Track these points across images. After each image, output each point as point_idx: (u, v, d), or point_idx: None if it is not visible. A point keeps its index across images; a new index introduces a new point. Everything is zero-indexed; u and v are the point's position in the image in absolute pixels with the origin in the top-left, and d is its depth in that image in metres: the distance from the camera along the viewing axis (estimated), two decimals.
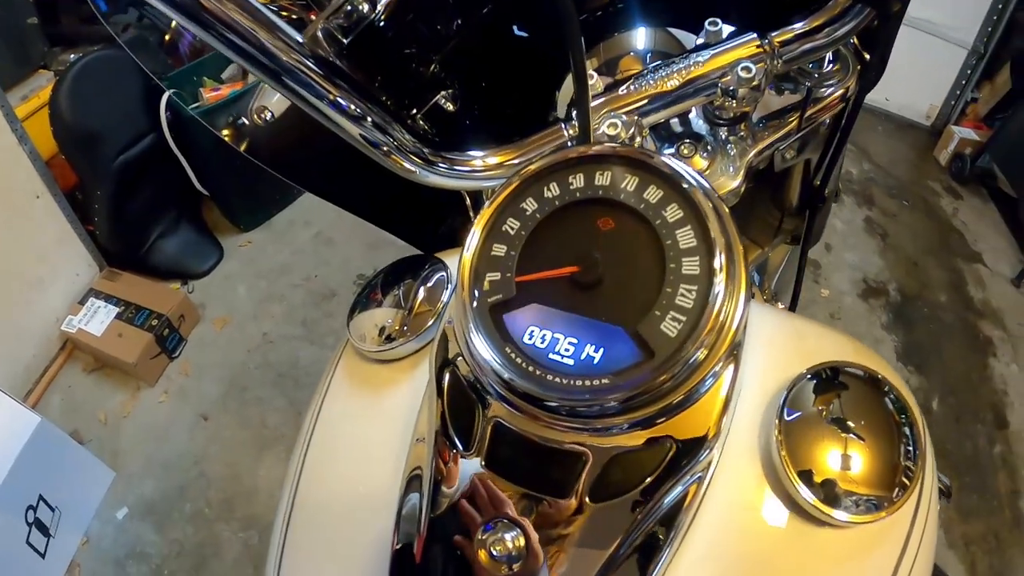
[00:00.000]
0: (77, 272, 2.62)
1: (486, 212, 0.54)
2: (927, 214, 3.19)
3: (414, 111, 0.70)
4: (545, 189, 0.54)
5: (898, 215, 3.17)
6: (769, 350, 0.59)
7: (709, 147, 0.75)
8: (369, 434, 0.64)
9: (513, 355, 0.48)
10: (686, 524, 0.50)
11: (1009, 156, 3.06)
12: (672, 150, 0.76)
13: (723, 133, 0.76)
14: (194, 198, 2.82)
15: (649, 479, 0.48)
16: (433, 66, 0.73)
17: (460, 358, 0.53)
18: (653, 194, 0.51)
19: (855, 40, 0.76)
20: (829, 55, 0.77)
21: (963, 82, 3.35)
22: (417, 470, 0.57)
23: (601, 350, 0.47)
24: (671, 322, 0.46)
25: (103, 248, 2.68)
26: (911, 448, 0.52)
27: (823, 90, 0.77)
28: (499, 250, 0.52)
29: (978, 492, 2.21)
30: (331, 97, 0.58)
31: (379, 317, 0.66)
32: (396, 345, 0.63)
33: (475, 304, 0.50)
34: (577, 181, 0.53)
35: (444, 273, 0.67)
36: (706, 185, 0.51)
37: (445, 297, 0.64)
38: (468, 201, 0.87)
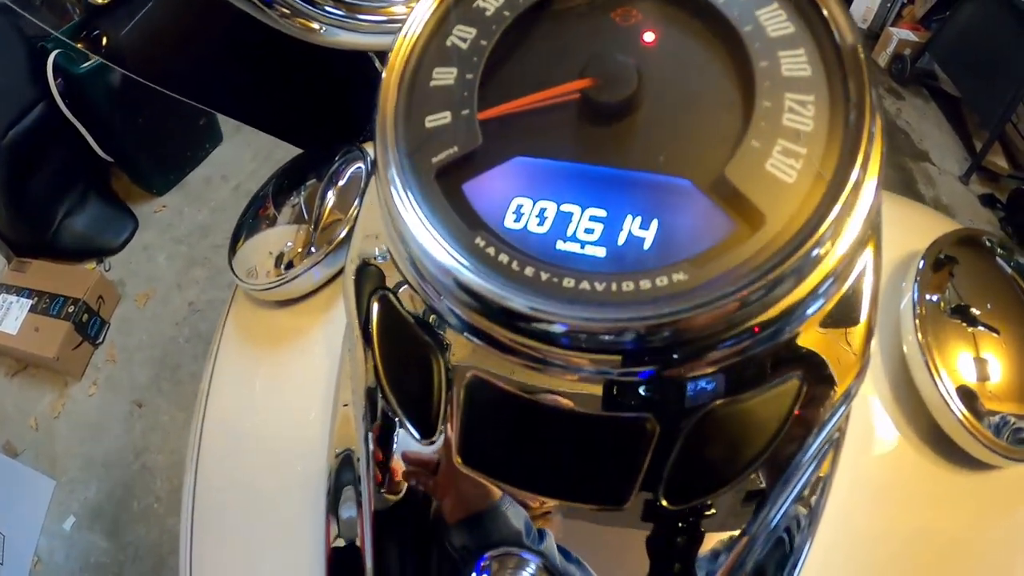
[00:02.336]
0: None
1: (415, 18, 0.30)
2: None
3: None
4: None
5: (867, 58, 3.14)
6: None
7: None
8: (277, 403, 0.47)
9: (490, 250, 0.24)
10: (823, 507, 0.29)
11: (950, 56, 2.96)
12: None
13: None
14: (99, 167, 2.55)
15: (767, 449, 0.25)
16: None
17: (397, 279, 0.29)
18: None
19: None
20: None
21: None
22: (348, 451, 0.39)
23: (654, 222, 0.25)
24: (784, 158, 0.24)
25: (6, 237, 2.42)
26: None
27: None
28: (445, 76, 0.28)
29: None
30: None
31: (273, 240, 0.43)
32: (297, 273, 0.40)
33: (410, 170, 0.27)
34: None
35: (362, 163, 0.43)
36: None
37: (359, 202, 0.41)
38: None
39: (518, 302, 0.23)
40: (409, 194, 0.26)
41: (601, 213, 0.25)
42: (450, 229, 0.25)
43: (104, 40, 0.66)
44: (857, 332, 0.27)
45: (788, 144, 0.24)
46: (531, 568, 0.25)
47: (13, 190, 2.29)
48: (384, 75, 0.29)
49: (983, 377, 0.37)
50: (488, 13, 0.30)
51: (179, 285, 2.45)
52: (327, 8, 0.45)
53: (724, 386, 0.25)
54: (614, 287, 0.23)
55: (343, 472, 0.40)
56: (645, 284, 0.22)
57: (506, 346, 0.24)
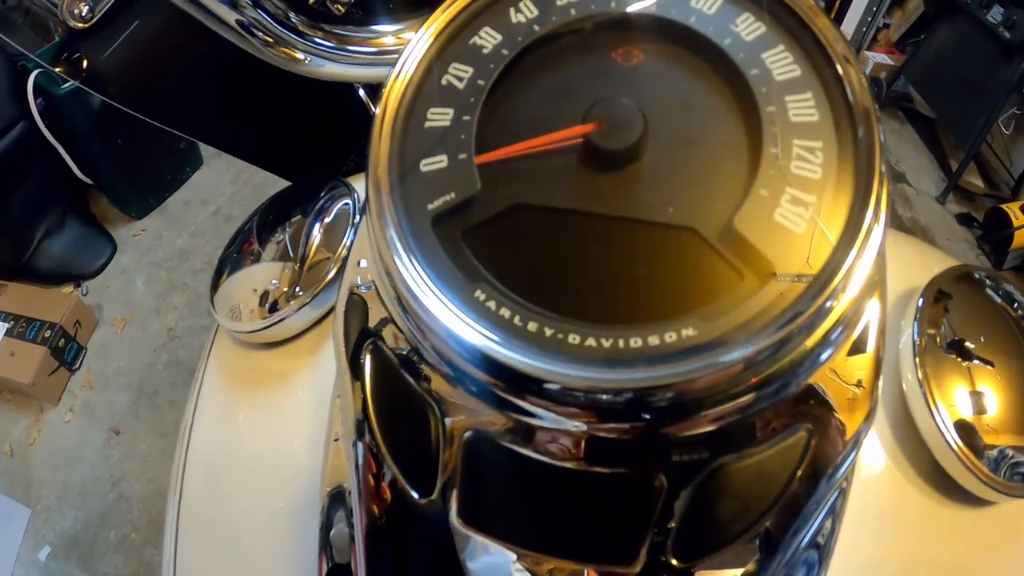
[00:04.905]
0: None
1: (409, 57, 0.29)
2: None
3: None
4: (512, 11, 0.29)
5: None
6: None
7: None
8: (262, 450, 0.45)
9: (490, 303, 0.23)
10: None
11: (925, 78, 3.01)
12: None
13: None
14: (78, 189, 2.55)
15: (778, 503, 0.24)
16: None
17: (388, 324, 0.28)
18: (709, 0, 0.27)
19: None
20: None
21: (874, 9, 3.29)
22: (340, 487, 0.39)
23: (660, 273, 0.24)
24: (792, 207, 0.23)
25: None
26: None
27: None
28: (440, 117, 0.27)
29: None
30: None
31: (258, 278, 0.41)
32: (283, 316, 0.38)
33: (404, 217, 0.25)
34: None
35: (350, 200, 0.42)
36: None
37: (351, 236, 0.40)
38: (373, 109, 0.65)
39: (522, 362, 0.22)
40: (404, 243, 0.24)
41: (606, 262, 0.24)
42: (448, 282, 0.24)
43: (84, 64, 0.65)
44: (865, 376, 0.26)
45: (797, 192, 0.23)
46: None
47: None
48: (376, 115, 0.27)
49: (980, 411, 0.37)
50: (485, 51, 0.29)
51: (157, 310, 2.43)
52: (315, 39, 0.44)
53: (731, 441, 0.24)
54: (621, 343, 0.21)
55: (334, 507, 0.39)
56: (653, 340, 0.21)
57: (510, 404, 0.23)
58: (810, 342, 0.23)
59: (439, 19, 0.29)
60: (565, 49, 0.28)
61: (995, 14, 2.56)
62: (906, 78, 3.09)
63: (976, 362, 0.38)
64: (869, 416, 0.26)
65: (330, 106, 0.54)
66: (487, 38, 0.29)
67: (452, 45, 0.29)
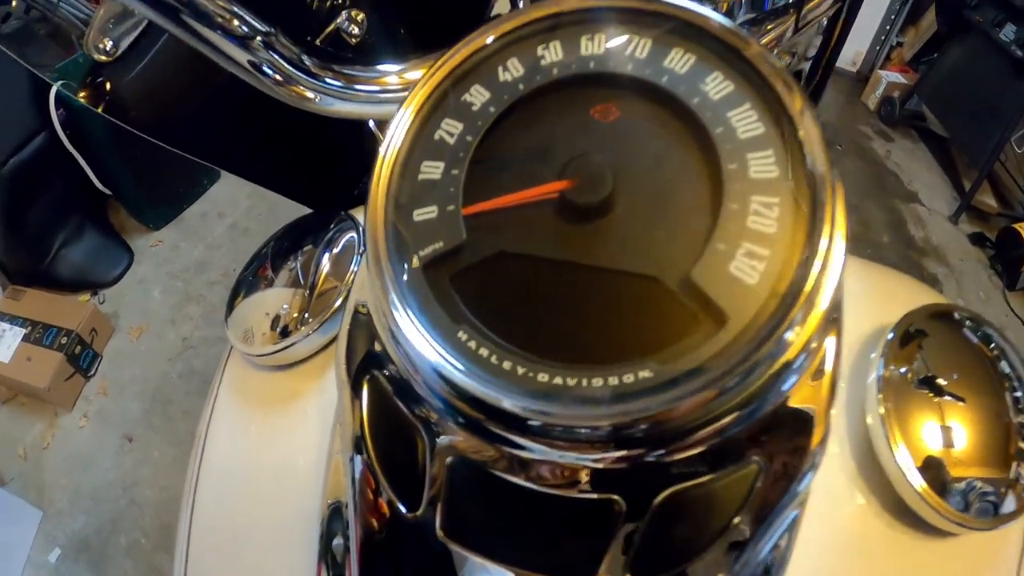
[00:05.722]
0: None
1: (405, 113, 0.32)
2: (861, 157, 3.14)
3: (308, 38, 0.54)
4: (500, 70, 0.32)
5: (833, 160, 3.16)
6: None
7: None
8: (271, 464, 0.47)
9: (471, 343, 0.26)
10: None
11: (938, 97, 3.02)
12: None
13: None
14: (97, 199, 2.61)
15: (729, 528, 0.27)
16: None
17: (381, 354, 0.31)
18: (681, 60, 0.30)
19: None
20: None
21: (888, 27, 3.31)
22: (338, 502, 0.42)
23: (624, 318, 0.26)
24: (747, 260, 0.26)
25: (2, 264, 2.44)
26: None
27: None
28: (432, 170, 0.30)
29: None
30: (211, 16, 0.43)
31: (271, 303, 0.44)
32: (293, 342, 0.41)
33: (397, 261, 0.28)
34: (552, 53, 0.32)
35: (355, 233, 0.45)
36: (761, 46, 0.30)
37: (356, 266, 0.43)
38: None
39: (493, 396, 0.25)
40: (396, 288, 0.27)
41: (577, 307, 0.27)
42: (434, 323, 0.27)
43: (106, 92, 0.68)
44: (818, 409, 0.29)
45: (752, 247, 0.26)
46: None
47: (11, 218, 2.33)
48: (376, 166, 0.30)
49: (948, 445, 0.38)
50: (475, 108, 0.31)
51: (173, 321, 2.47)
52: (325, 79, 0.47)
53: (686, 470, 0.27)
54: (584, 382, 0.24)
55: (334, 520, 0.41)
56: (613, 380, 0.24)
57: (485, 431, 0.26)
58: (753, 388, 0.25)
59: (435, 75, 0.32)
60: (547, 106, 0.31)
61: (1008, 32, 2.57)
62: (919, 97, 3.10)
63: (947, 398, 0.39)
64: (822, 443, 0.29)
65: (342, 134, 0.57)
66: (477, 95, 0.32)
67: (445, 101, 0.32)
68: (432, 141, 0.31)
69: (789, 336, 0.24)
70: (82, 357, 2.30)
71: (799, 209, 0.27)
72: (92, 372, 2.35)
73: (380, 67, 0.48)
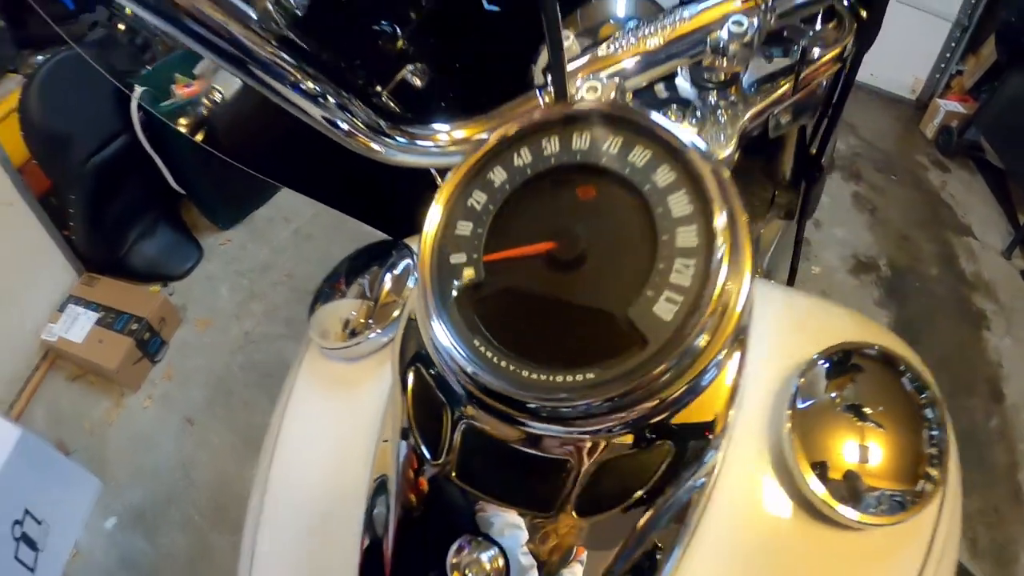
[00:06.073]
0: (55, 279, 2.58)
1: (448, 186, 0.46)
2: (915, 187, 3.16)
3: (378, 88, 0.66)
4: (515, 156, 0.46)
5: (886, 189, 3.12)
6: (775, 332, 0.53)
7: (698, 113, 0.69)
8: (337, 438, 0.59)
9: (482, 348, 0.41)
10: (689, 533, 0.44)
11: (997, 127, 3.02)
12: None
13: (712, 98, 0.69)
14: (171, 198, 2.77)
15: (646, 488, 0.41)
16: (398, 39, 0.68)
17: (424, 353, 0.46)
18: (640, 155, 0.44)
19: None
20: (822, 11, 0.72)
21: (948, 55, 3.31)
22: (383, 476, 0.52)
23: (586, 339, 0.40)
24: (666, 303, 0.39)
25: (80, 253, 2.63)
26: (935, 433, 0.46)
27: (818, 50, 0.70)
28: (464, 228, 0.45)
29: (976, 467, 2.16)
30: (288, 76, 0.54)
31: (343, 310, 0.59)
32: (359, 341, 0.56)
33: (437, 290, 0.43)
34: (552, 145, 0.46)
35: (411, 260, 0.60)
36: (701, 146, 0.44)
37: (411, 285, 0.57)
38: (439, 181, 0.81)
39: (496, 383, 0.39)
40: (436, 310, 0.42)
41: (554, 327, 0.41)
42: (459, 332, 0.41)
43: (202, 125, 0.80)
44: (719, 409, 0.42)
45: (671, 294, 0.39)
46: (492, 550, 0.41)
47: (92, 211, 2.50)
48: (426, 225, 0.45)
49: (864, 461, 0.46)
50: (495, 184, 0.46)
51: (237, 316, 2.61)
52: (395, 137, 0.59)
53: (618, 441, 0.41)
54: (551, 379, 0.39)
55: (378, 493, 0.53)
56: (569, 378, 0.38)
57: (488, 407, 0.41)
58: (665, 391, 0.39)
59: (470, 159, 0.47)
60: (545, 186, 0.45)
61: None
62: (977, 127, 3.09)
63: (869, 423, 0.46)
64: (722, 431, 0.42)
65: (404, 172, 0.69)
66: (498, 174, 0.46)
67: (476, 178, 0.46)
68: (465, 207, 0.46)
69: (692, 354, 0.38)
70: (150, 343, 2.45)
71: (708, 270, 0.40)
72: (159, 358, 2.50)
73: (434, 125, 0.60)
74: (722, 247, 0.40)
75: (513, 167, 0.46)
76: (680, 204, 0.42)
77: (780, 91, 0.71)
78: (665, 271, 0.40)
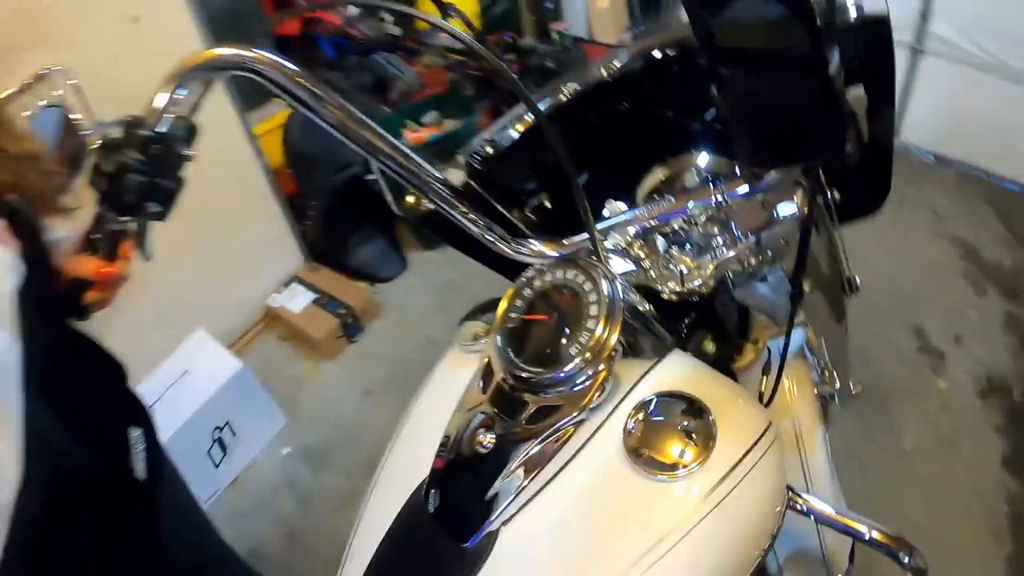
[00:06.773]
0: (286, 261, 3.02)
1: (509, 291, 0.91)
2: None
3: (523, 208, 1.09)
4: (526, 291, 0.86)
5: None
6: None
7: (693, 249, 0.96)
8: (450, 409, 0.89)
9: (510, 352, 0.87)
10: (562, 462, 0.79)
11: None
12: (663, 248, 0.98)
13: (700, 241, 0.96)
14: (389, 217, 3.13)
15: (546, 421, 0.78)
16: (532, 181, 1.15)
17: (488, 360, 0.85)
18: (575, 276, 0.82)
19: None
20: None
21: None
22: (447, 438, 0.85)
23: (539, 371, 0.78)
24: (575, 347, 0.77)
25: (310, 245, 3.07)
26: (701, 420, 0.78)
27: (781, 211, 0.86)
28: (512, 321, 0.84)
29: None
30: (464, 212, 0.84)
31: (478, 326, 1.00)
32: (478, 345, 0.96)
33: (503, 353, 0.81)
34: (539, 283, 0.85)
35: None
36: (610, 288, 0.80)
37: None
38: None
39: (511, 368, 0.77)
40: (496, 335, 0.87)
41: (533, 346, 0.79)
42: (504, 346, 0.86)
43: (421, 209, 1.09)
44: (591, 391, 0.77)
45: (576, 346, 0.76)
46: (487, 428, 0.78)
47: (325, 216, 2.97)
48: (498, 313, 0.83)
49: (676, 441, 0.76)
50: (513, 315, 0.82)
51: (424, 321, 2.98)
52: (510, 243, 0.86)
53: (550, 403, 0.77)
54: (533, 370, 0.76)
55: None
56: (527, 373, 0.77)
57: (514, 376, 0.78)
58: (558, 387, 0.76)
59: (509, 295, 0.85)
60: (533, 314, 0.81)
61: None
62: None
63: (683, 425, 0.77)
64: (585, 407, 0.77)
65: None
66: (517, 306, 0.82)
67: (516, 294, 0.83)
68: (513, 310, 0.89)
69: (571, 371, 0.83)
70: (351, 327, 2.89)
71: (595, 333, 0.84)
72: (355, 340, 2.92)
73: (530, 241, 0.88)
74: (604, 326, 0.83)
75: (524, 298, 0.85)
76: (592, 296, 0.78)
77: (744, 248, 0.90)
78: (575, 333, 0.78)
